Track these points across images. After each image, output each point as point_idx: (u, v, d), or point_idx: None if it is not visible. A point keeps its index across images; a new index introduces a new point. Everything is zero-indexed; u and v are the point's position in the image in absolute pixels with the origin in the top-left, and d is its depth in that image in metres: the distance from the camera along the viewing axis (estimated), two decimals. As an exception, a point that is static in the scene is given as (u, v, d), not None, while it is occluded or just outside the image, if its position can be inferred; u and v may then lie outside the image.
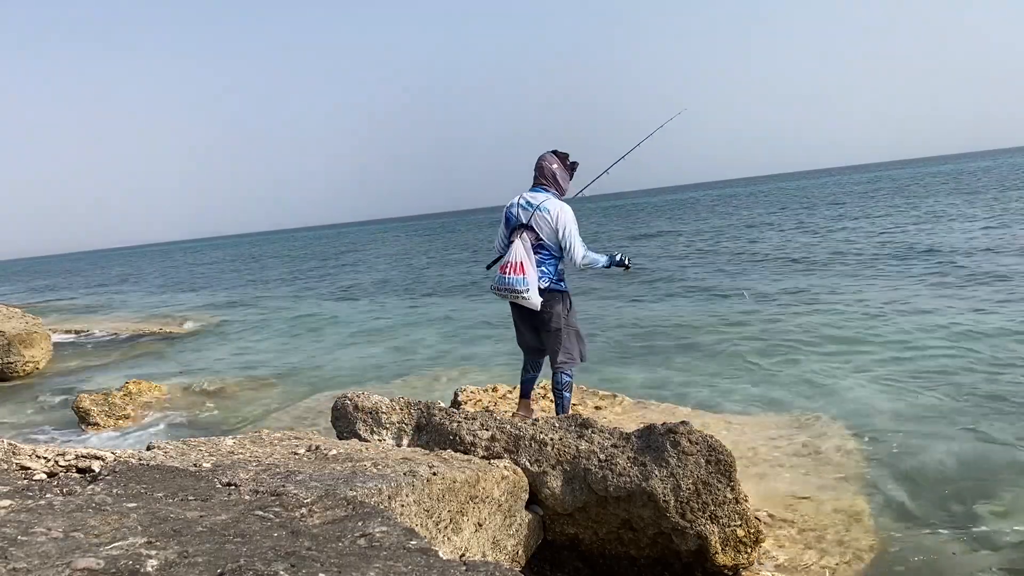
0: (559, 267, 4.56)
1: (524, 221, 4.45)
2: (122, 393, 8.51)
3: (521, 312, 4.64)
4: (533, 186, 4.61)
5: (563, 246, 4.46)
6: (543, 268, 4.45)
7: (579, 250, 4.46)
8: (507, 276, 4.36)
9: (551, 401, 6.14)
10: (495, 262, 4.63)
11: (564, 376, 4.66)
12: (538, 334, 4.71)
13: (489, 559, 2.56)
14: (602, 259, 4.54)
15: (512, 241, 4.46)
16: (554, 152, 4.62)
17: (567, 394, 4.71)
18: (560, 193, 4.60)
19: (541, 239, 4.44)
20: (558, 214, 4.42)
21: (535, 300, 4.40)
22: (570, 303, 4.67)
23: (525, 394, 4.97)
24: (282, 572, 1.49)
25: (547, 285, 4.47)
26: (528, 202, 4.49)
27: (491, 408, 5.58)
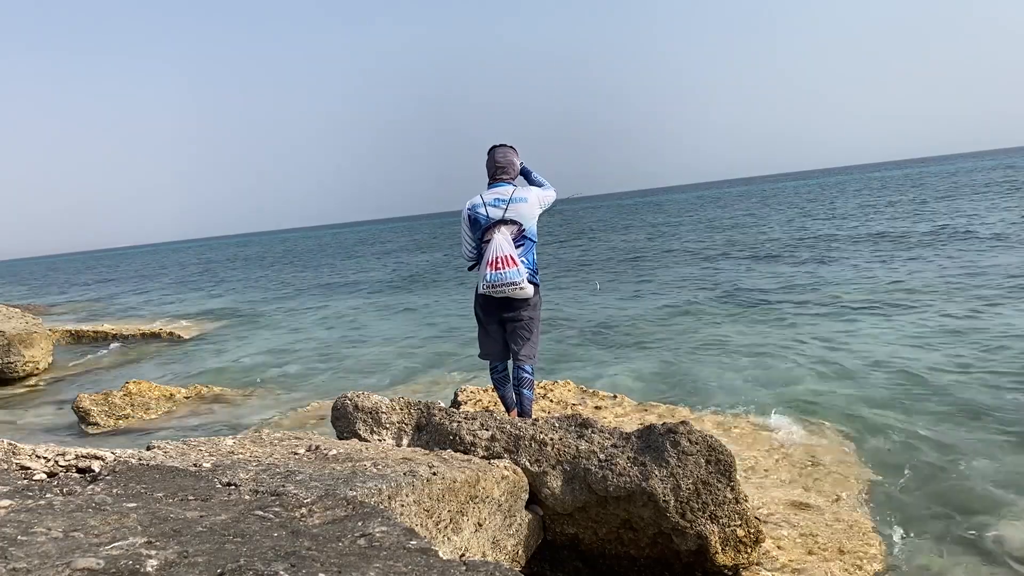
0: (533, 257, 4.49)
1: (500, 217, 4.35)
2: (122, 393, 8.51)
3: (496, 310, 4.51)
4: (493, 182, 4.52)
5: (544, 207, 4.53)
6: (524, 258, 4.37)
7: (549, 191, 4.62)
8: (503, 271, 4.26)
9: (550, 401, 6.14)
10: (475, 265, 4.50)
11: (526, 373, 4.54)
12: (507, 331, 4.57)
13: (489, 559, 2.56)
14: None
15: (490, 239, 4.34)
16: (504, 146, 4.57)
17: (529, 392, 4.56)
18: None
19: (524, 230, 4.37)
20: (532, 197, 4.42)
21: (529, 290, 4.34)
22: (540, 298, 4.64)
23: (511, 407, 4.71)
24: (282, 572, 1.49)
25: (527, 275, 4.39)
26: (498, 199, 4.39)
27: (491, 408, 5.58)
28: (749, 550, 3.34)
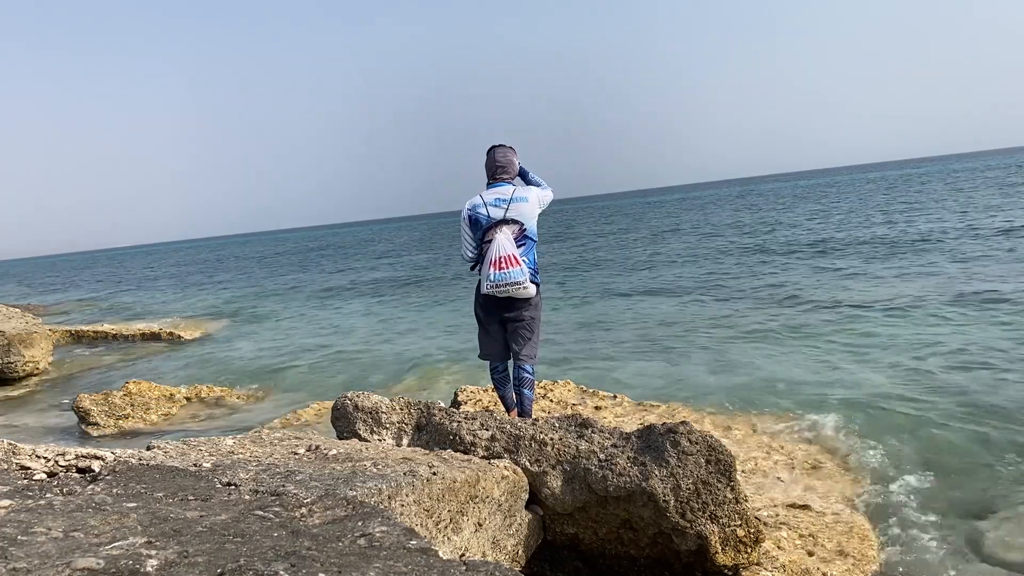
0: (534, 257, 4.48)
1: (501, 217, 4.33)
2: (122, 393, 8.51)
3: (497, 310, 4.48)
4: (492, 182, 4.50)
5: (543, 207, 4.52)
6: (525, 258, 4.36)
7: (547, 191, 4.60)
8: (507, 270, 4.24)
9: (551, 401, 6.14)
10: (476, 264, 4.48)
11: (526, 372, 4.52)
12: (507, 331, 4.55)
13: (489, 559, 2.56)
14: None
15: (491, 239, 4.32)
16: (503, 146, 4.56)
17: (530, 392, 4.55)
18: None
19: (525, 229, 4.36)
20: (532, 196, 4.40)
21: (531, 289, 4.34)
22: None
23: (511, 407, 4.69)
24: (282, 572, 1.49)
25: (529, 275, 4.38)
26: (498, 198, 4.37)
27: (491, 408, 5.58)
28: (749, 550, 3.34)
